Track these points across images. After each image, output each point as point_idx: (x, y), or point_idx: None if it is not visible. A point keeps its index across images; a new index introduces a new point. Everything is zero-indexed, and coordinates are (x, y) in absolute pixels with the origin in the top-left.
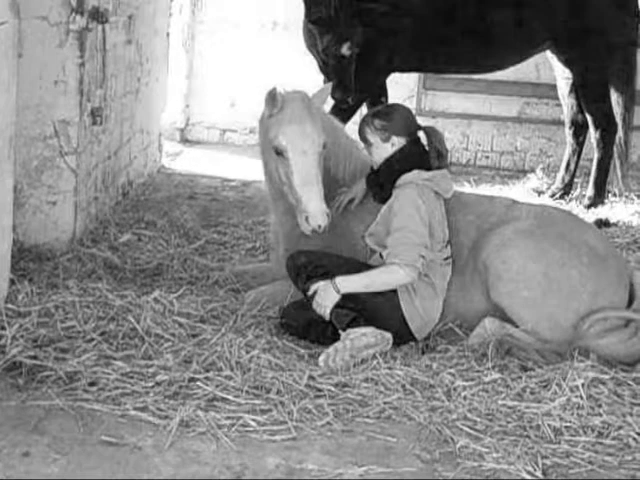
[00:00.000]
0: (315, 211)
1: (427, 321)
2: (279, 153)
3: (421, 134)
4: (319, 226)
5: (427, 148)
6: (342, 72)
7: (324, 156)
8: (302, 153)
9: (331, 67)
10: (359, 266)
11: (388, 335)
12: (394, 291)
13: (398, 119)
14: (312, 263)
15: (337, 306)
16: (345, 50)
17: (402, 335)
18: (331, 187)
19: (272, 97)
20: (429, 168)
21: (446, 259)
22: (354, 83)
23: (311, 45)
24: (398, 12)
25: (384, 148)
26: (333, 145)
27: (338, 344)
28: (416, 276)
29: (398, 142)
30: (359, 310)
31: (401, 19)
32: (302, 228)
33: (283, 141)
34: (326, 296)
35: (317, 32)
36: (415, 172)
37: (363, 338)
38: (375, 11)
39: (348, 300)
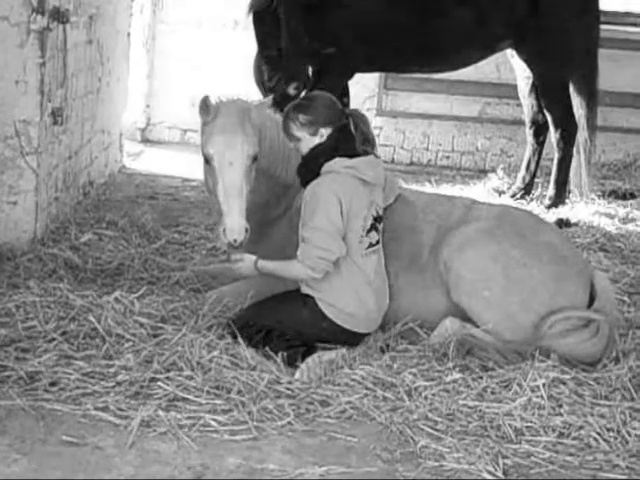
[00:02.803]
0: (232, 225)
1: (362, 314)
2: (207, 162)
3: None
4: (235, 240)
5: (354, 133)
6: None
7: (266, 166)
8: (228, 164)
9: (276, 104)
10: (292, 306)
11: (342, 351)
12: (324, 314)
13: (322, 110)
14: (252, 327)
15: (287, 346)
16: (291, 90)
17: (354, 340)
18: (282, 192)
19: (204, 106)
20: (356, 154)
21: (370, 247)
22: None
23: (259, 80)
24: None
25: (312, 141)
26: (282, 150)
27: (309, 360)
28: (315, 275)
29: (326, 132)
30: (304, 344)
31: (357, 34)
32: (221, 239)
33: (211, 150)
34: (244, 268)
35: (266, 70)
36: (337, 160)
37: (325, 354)
38: (322, 51)
39: (294, 339)
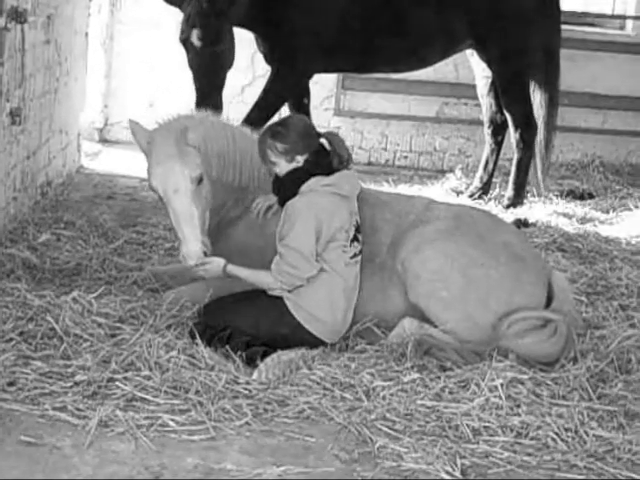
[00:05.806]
0: (188, 252)
1: (330, 322)
2: (155, 192)
3: (323, 141)
4: (194, 265)
5: (329, 152)
6: (199, 74)
7: (217, 175)
8: (173, 192)
9: (189, 63)
10: (255, 308)
11: (301, 351)
12: (291, 315)
13: (299, 139)
14: (215, 326)
15: (247, 346)
16: (195, 39)
17: (317, 344)
18: (239, 194)
19: (133, 134)
20: (332, 171)
21: (354, 257)
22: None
23: None
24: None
25: (288, 166)
26: (233, 156)
27: (267, 360)
28: (286, 287)
29: (302, 158)
30: (267, 344)
31: (317, 23)
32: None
33: (153, 182)
34: (211, 270)
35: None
36: (315, 179)
37: (284, 354)
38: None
39: (255, 339)
